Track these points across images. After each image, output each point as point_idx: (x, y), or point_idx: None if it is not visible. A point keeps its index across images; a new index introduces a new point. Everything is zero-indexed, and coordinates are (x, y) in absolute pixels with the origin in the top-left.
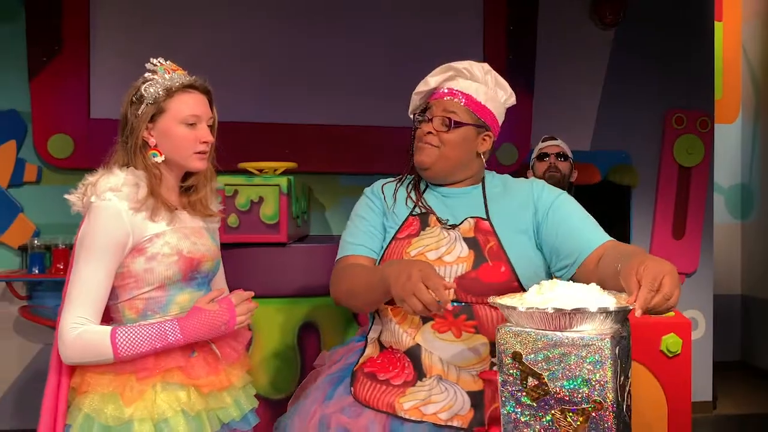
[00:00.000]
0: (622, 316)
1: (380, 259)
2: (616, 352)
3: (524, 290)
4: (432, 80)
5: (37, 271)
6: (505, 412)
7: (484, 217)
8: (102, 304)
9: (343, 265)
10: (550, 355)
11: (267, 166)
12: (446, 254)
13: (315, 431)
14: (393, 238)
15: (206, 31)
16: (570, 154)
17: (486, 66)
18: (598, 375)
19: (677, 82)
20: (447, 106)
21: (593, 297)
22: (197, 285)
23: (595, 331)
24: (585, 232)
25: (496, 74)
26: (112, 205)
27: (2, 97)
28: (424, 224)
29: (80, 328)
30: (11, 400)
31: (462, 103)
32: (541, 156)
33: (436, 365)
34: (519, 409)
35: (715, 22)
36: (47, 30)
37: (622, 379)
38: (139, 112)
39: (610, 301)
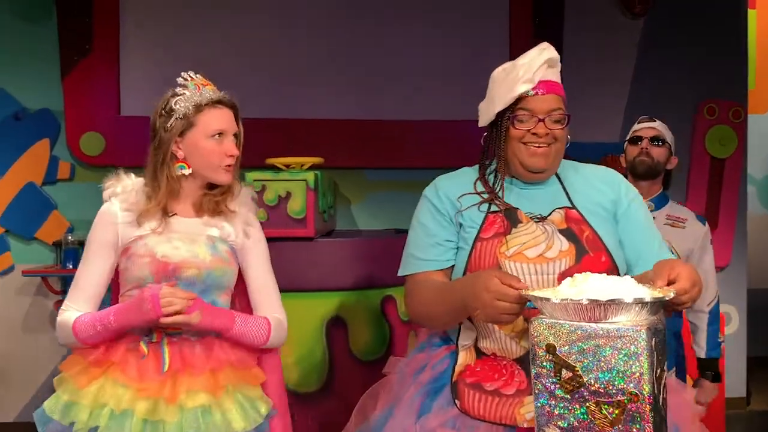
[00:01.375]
0: (657, 307)
1: (467, 262)
2: (653, 343)
3: None
4: (537, 76)
5: (71, 266)
6: (539, 404)
7: (570, 206)
8: (90, 295)
9: (416, 281)
10: (585, 347)
11: (294, 162)
12: (547, 250)
13: None
14: (476, 238)
15: (233, 29)
16: (669, 140)
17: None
18: (634, 367)
19: (709, 72)
20: (552, 102)
21: (628, 288)
22: None
23: (630, 322)
24: (655, 246)
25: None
26: (109, 208)
27: (36, 96)
28: (514, 220)
29: (63, 314)
30: (48, 392)
31: (560, 94)
32: (634, 140)
33: None
34: (553, 402)
35: (749, 10)
36: (78, 30)
37: (658, 371)
38: (168, 125)
39: (645, 292)
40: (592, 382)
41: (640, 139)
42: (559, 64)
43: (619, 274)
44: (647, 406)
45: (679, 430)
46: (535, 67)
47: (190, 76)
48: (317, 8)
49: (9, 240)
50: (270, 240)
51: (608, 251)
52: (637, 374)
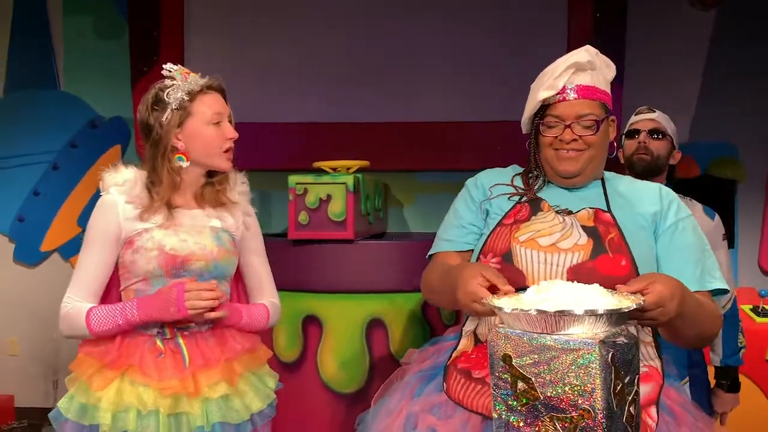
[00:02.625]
0: (616, 318)
1: (483, 245)
2: (609, 357)
3: None
4: (560, 82)
5: None
6: (496, 416)
7: (605, 209)
8: (95, 286)
9: (434, 261)
10: (539, 359)
11: (340, 165)
12: (562, 240)
13: (400, 430)
14: (498, 223)
15: (289, 38)
16: (670, 132)
17: (591, 48)
18: (586, 382)
19: None
20: (582, 107)
21: (586, 298)
22: None
23: (585, 334)
24: (695, 271)
25: (597, 52)
26: (110, 199)
27: (110, 105)
28: (536, 209)
29: (68, 306)
30: None
31: (594, 98)
32: (631, 133)
33: None
34: (509, 413)
35: None
36: (147, 42)
37: (619, 386)
38: (164, 119)
39: (604, 303)
40: (547, 395)
41: (637, 132)
42: (597, 65)
43: None
44: (599, 423)
45: None
46: (558, 72)
47: (173, 68)
48: (366, 12)
49: None
50: (310, 242)
51: (632, 257)
52: (589, 390)
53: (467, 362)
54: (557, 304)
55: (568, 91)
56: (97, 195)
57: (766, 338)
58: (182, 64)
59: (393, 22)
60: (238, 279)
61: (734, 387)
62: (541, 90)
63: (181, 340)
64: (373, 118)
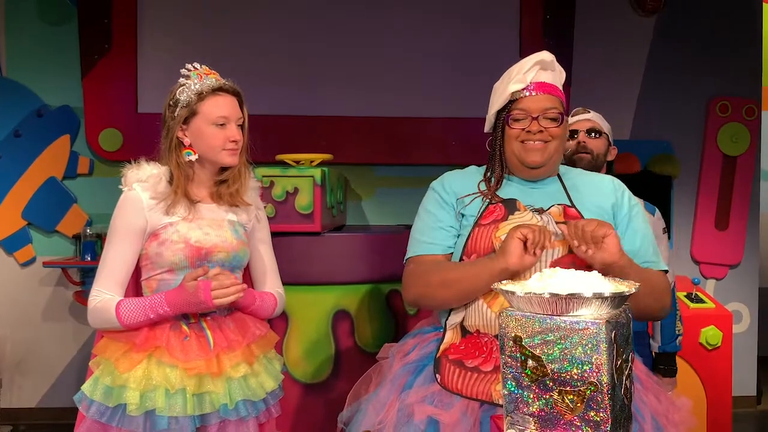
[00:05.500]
0: (618, 301)
1: (464, 246)
2: (612, 336)
3: None
4: (528, 76)
5: (89, 258)
6: (506, 392)
7: (569, 204)
8: (121, 279)
9: (419, 262)
10: (548, 339)
11: (304, 158)
12: None
13: (393, 423)
14: (475, 224)
15: (247, 28)
16: (606, 130)
17: (551, 54)
18: (593, 358)
19: (722, 69)
20: (546, 102)
21: (591, 283)
22: None
23: (591, 315)
24: (650, 252)
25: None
26: (134, 195)
27: (57, 94)
28: (512, 209)
29: (97, 299)
30: (67, 379)
31: (556, 95)
32: (570, 133)
33: None
34: (519, 390)
35: (764, 5)
36: (98, 30)
37: (619, 362)
38: (175, 115)
39: (608, 287)
40: (556, 372)
41: (576, 132)
42: (556, 68)
43: None
44: (606, 395)
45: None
46: (526, 68)
47: (193, 67)
48: (327, 9)
49: (31, 232)
50: (278, 235)
51: None
52: (597, 365)
53: (457, 353)
54: (564, 289)
55: (536, 85)
56: (44, 186)
57: (699, 323)
58: (135, 54)
59: (352, 18)
60: (245, 268)
61: (671, 372)
62: (511, 83)
63: (204, 324)
64: (332, 112)
